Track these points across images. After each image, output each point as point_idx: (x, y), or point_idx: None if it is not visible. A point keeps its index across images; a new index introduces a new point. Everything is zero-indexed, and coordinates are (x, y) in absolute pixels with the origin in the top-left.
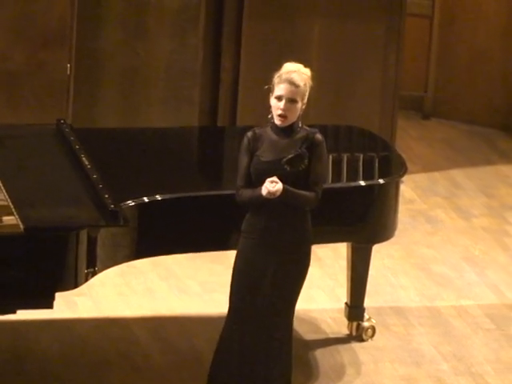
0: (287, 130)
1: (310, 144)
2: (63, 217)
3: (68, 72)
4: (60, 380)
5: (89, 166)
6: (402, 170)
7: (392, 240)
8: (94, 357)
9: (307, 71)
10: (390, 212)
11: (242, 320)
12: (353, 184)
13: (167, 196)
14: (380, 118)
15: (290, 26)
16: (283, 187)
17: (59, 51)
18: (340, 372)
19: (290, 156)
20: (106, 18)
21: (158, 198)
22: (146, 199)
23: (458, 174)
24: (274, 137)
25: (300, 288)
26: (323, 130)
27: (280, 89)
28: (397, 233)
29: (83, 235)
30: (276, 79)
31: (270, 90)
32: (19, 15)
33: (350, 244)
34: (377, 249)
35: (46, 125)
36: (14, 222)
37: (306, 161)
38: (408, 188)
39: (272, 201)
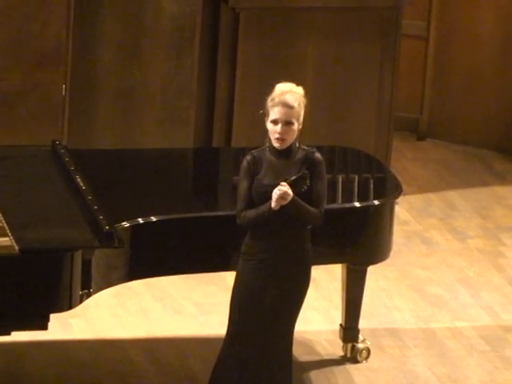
0: (286, 152)
1: (311, 164)
2: (58, 238)
3: (63, 92)
4: None
5: (84, 187)
6: (397, 191)
7: (387, 261)
8: (88, 378)
9: (300, 90)
10: (385, 233)
11: (240, 342)
12: (348, 205)
13: (162, 217)
14: (375, 139)
15: (285, 46)
16: (292, 195)
17: (55, 72)
18: None
19: (292, 178)
20: (102, 38)
21: (153, 219)
22: (140, 220)
23: (453, 195)
24: (273, 159)
25: (299, 309)
26: (318, 151)
27: (275, 113)
28: (392, 254)
29: (78, 256)
30: (269, 103)
31: (265, 114)
32: (14, 36)
33: (344, 265)
34: (372, 270)
35: (41, 146)
36: (9, 243)
37: (308, 181)
38: (403, 209)
39: (274, 221)
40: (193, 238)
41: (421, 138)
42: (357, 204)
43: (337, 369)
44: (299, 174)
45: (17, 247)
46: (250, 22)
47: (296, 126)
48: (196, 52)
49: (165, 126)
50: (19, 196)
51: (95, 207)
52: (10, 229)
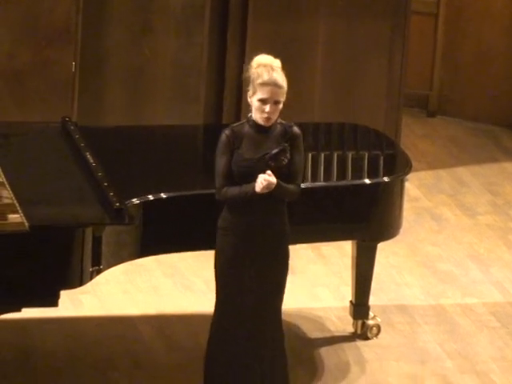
0: (266, 126)
1: (290, 138)
2: (68, 215)
3: (73, 70)
4: (65, 377)
5: (94, 164)
6: (407, 167)
7: (397, 238)
8: (98, 354)
9: (279, 63)
10: (395, 210)
11: (230, 321)
12: (358, 182)
13: (172, 194)
14: (385, 116)
15: (295, 24)
16: (276, 181)
17: (64, 49)
18: (345, 370)
19: (273, 152)
20: (111, 15)
21: (163, 195)
22: (150, 197)
23: (462, 172)
24: (253, 133)
25: (284, 282)
26: (328, 127)
27: (265, 92)
28: (402, 231)
29: (89, 233)
30: (258, 80)
31: (247, 85)
32: (24, 13)
33: (354, 242)
34: (382, 247)
35: (52, 123)
36: (19, 219)
37: (288, 155)
38: (413, 186)
39: (256, 197)
40: (203, 215)
41: (430, 114)
42: (367, 181)
43: (347, 345)
44: (280, 148)
45: (27, 224)
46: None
47: (282, 104)
48: (206, 30)
49: (175, 103)
50: (29, 173)
51: (105, 184)
52: (20, 205)
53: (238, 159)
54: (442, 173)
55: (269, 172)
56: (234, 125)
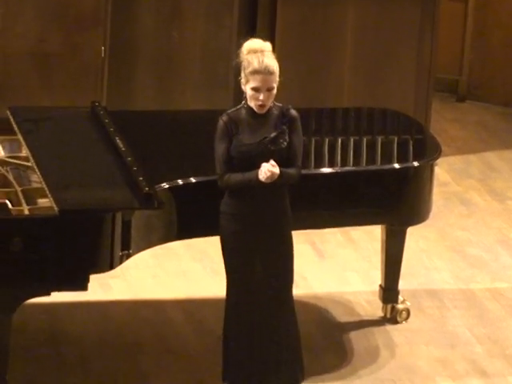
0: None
1: (287, 121)
2: (98, 199)
3: (102, 54)
4: (94, 361)
5: (123, 149)
6: (437, 152)
7: (426, 222)
8: (128, 339)
9: (269, 46)
10: (425, 194)
11: (243, 307)
12: (387, 166)
13: (201, 179)
14: (415, 101)
15: (324, 9)
16: (280, 171)
17: (94, 34)
18: (374, 354)
19: (272, 135)
20: (141, 0)
21: (192, 180)
22: (180, 182)
23: (492, 157)
24: (250, 118)
25: (292, 265)
26: (357, 112)
27: (257, 80)
28: (431, 215)
29: (118, 217)
30: (249, 68)
31: (241, 75)
32: None
33: (384, 226)
34: (411, 231)
35: (81, 107)
36: (49, 204)
37: (287, 137)
38: (442, 170)
39: (259, 184)
40: None
41: (460, 99)
42: (396, 165)
43: (376, 329)
44: (279, 131)
45: (56, 208)
46: None
47: (276, 88)
48: (235, 15)
49: (203, 88)
50: (59, 157)
51: (134, 168)
52: (49, 190)
53: (238, 144)
54: (472, 158)
55: (272, 163)
56: (230, 110)
